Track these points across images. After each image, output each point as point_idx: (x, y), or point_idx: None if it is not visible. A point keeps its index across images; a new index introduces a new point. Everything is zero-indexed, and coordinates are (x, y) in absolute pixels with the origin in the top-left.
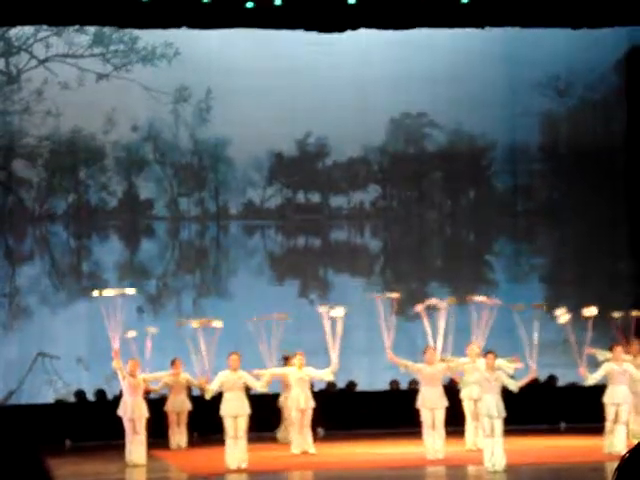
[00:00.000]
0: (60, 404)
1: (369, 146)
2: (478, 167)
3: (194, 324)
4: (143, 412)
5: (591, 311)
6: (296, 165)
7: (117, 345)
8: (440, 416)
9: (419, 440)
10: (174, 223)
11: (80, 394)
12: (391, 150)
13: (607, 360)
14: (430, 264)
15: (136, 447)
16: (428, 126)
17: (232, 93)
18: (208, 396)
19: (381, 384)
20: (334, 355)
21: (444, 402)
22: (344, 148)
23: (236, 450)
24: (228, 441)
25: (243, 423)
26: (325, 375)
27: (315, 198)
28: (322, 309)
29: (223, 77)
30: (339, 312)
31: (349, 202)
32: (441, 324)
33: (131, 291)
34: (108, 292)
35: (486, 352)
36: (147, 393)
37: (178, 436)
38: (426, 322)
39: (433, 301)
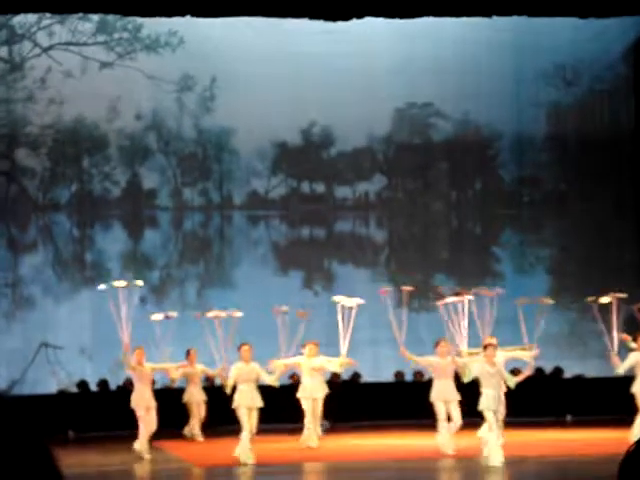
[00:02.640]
0: (63, 394)
1: (374, 136)
2: (484, 157)
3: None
4: (153, 402)
5: (614, 296)
6: (301, 155)
7: (127, 339)
8: (455, 408)
9: (426, 432)
10: (178, 213)
11: (83, 384)
12: (396, 140)
13: (633, 350)
14: (435, 255)
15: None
16: (434, 116)
17: (236, 82)
18: (228, 390)
19: (386, 375)
20: (344, 348)
21: (457, 395)
22: (349, 138)
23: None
24: (244, 433)
25: (254, 417)
26: (334, 367)
27: (320, 188)
28: (337, 299)
29: (227, 66)
30: (354, 302)
31: (354, 192)
32: (461, 316)
33: (139, 283)
34: (117, 284)
35: (485, 345)
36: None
37: (196, 427)
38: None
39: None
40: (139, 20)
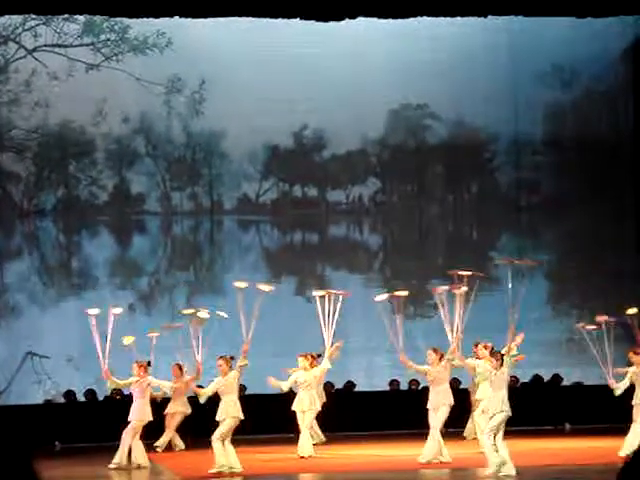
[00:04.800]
0: (50, 405)
1: (368, 138)
2: (480, 160)
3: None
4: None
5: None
6: (293, 158)
7: (106, 366)
8: (440, 415)
9: (421, 441)
10: (167, 218)
11: (70, 394)
12: (391, 143)
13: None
14: (431, 260)
15: (141, 448)
16: (429, 118)
17: (226, 84)
18: (202, 400)
19: (380, 384)
20: (328, 342)
21: (446, 400)
22: (342, 141)
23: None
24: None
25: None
26: (325, 365)
27: (312, 192)
28: (317, 293)
29: (217, 67)
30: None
31: (347, 196)
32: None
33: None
34: (115, 311)
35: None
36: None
37: (179, 438)
38: (442, 310)
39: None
40: (126, 21)
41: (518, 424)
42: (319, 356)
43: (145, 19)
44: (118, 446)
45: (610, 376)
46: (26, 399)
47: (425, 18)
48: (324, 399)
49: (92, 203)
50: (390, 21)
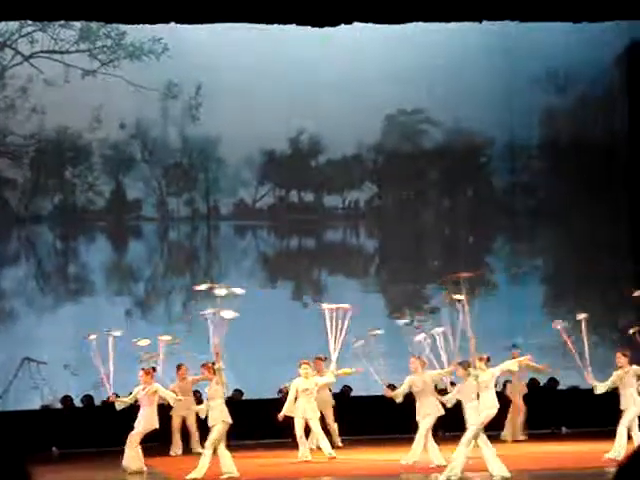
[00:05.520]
0: (47, 410)
1: (364, 143)
2: (476, 165)
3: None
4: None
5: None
6: (289, 163)
7: (111, 390)
8: (424, 424)
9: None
10: (163, 224)
11: (67, 400)
12: (387, 147)
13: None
14: (427, 265)
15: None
16: (424, 123)
17: (222, 90)
18: (203, 415)
19: (377, 389)
20: (334, 356)
21: (430, 410)
22: (338, 146)
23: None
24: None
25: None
26: (329, 379)
27: (309, 197)
28: (325, 306)
29: (213, 73)
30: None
31: (344, 201)
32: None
33: (144, 342)
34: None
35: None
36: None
37: (179, 443)
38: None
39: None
40: (122, 27)
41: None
42: (325, 359)
43: (141, 25)
44: (115, 451)
45: (588, 371)
46: (23, 405)
47: (421, 23)
48: (332, 402)
49: (89, 209)
50: (386, 26)
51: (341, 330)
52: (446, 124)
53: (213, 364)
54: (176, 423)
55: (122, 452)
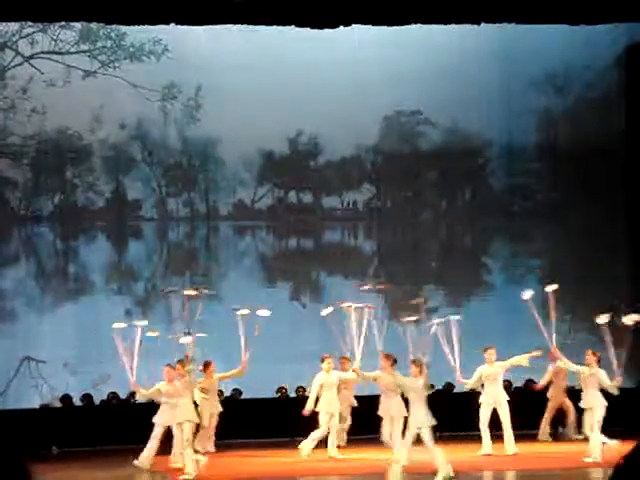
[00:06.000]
0: (46, 409)
1: (362, 145)
2: (474, 166)
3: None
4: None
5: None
6: (288, 164)
7: (134, 378)
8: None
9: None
10: (162, 224)
11: (66, 399)
12: (385, 149)
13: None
14: (425, 266)
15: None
16: (422, 124)
17: (222, 91)
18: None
19: (375, 388)
20: (358, 356)
21: (395, 412)
22: (337, 147)
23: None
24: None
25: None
26: (351, 375)
27: (307, 198)
28: (346, 305)
29: (213, 74)
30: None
31: (342, 202)
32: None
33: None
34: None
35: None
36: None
37: (207, 440)
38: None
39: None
40: (122, 28)
41: (513, 428)
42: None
43: (141, 26)
44: (114, 450)
45: (554, 347)
46: (23, 403)
47: (419, 26)
48: (354, 403)
49: (89, 209)
50: (384, 28)
51: (364, 330)
52: (444, 126)
53: (180, 361)
54: (204, 421)
55: (120, 451)
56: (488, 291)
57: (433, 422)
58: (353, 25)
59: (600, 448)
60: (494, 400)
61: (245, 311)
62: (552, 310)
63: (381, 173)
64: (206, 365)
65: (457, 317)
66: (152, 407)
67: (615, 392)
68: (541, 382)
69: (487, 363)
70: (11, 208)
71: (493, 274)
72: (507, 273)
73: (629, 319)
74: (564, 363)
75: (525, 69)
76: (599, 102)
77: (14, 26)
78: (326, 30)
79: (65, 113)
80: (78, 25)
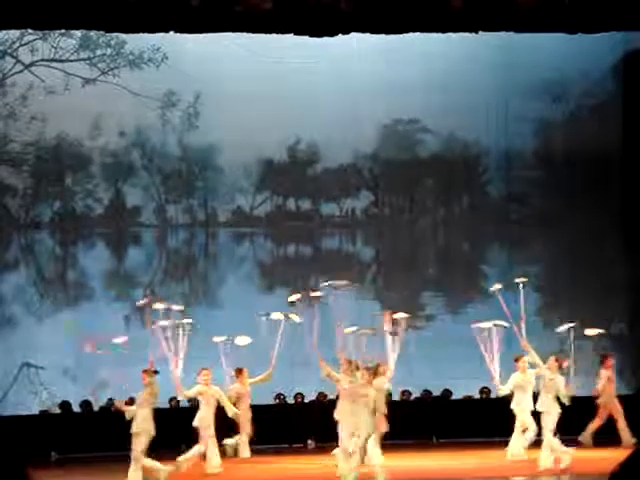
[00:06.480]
0: (45, 415)
1: (360, 152)
2: (471, 174)
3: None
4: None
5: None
6: (286, 172)
7: (178, 373)
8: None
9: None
10: (162, 230)
11: (65, 405)
12: (383, 156)
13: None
14: (423, 272)
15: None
16: (420, 132)
17: (221, 98)
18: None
19: None
20: (392, 364)
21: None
22: (335, 154)
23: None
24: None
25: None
26: (381, 382)
27: (306, 205)
28: (387, 316)
29: (212, 82)
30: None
31: (340, 209)
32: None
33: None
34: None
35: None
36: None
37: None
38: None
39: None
40: (122, 36)
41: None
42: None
43: (141, 35)
44: (113, 456)
45: (523, 338)
46: (22, 410)
47: (417, 34)
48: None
49: (88, 216)
50: (383, 37)
51: (399, 339)
52: (442, 134)
53: (155, 372)
54: (247, 428)
55: (119, 457)
56: (485, 297)
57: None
58: (352, 33)
59: (559, 450)
60: (526, 407)
61: (278, 315)
62: (522, 305)
63: (379, 180)
64: (239, 371)
65: (505, 324)
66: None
67: (567, 402)
68: (598, 388)
69: (519, 371)
70: (11, 215)
71: (490, 281)
72: (504, 280)
73: (591, 331)
74: (531, 357)
75: (522, 77)
76: (596, 110)
77: (14, 34)
78: (325, 38)
79: (65, 120)
80: (78, 33)
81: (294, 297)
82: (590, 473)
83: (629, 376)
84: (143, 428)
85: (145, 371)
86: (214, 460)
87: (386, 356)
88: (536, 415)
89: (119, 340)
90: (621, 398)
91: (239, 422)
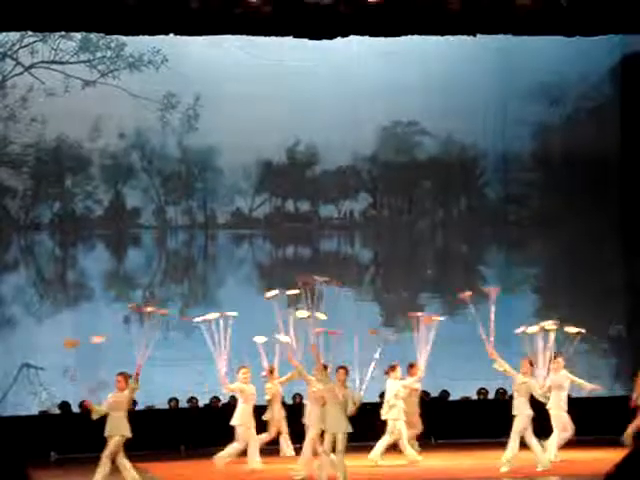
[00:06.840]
0: (45, 416)
1: (359, 154)
2: (470, 176)
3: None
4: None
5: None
6: (285, 173)
7: (223, 370)
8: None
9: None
10: (161, 232)
11: (65, 406)
12: (381, 158)
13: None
14: (421, 274)
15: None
16: (419, 134)
17: (220, 100)
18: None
19: (371, 396)
20: (423, 364)
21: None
22: (334, 156)
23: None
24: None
25: None
26: (415, 384)
27: (304, 207)
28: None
29: (211, 84)
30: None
31: (339, 211)
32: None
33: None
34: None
35: (338, 367)
36: None
37: (287, 441)
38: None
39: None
40: (122, 39)
41: (507, 435)
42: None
43: (141, 37)
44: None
45: (490, 342)
46: (22, 410)
47: (416, 37)
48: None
49: (88, 217)
50: (382, 39)
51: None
52: (440, 136)
53: (130, 376)
54: (284, 427)
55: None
56: (483, 299)
57: (349, 429)
58: (351, 36)
59: (515, 455)
60: (557, 406)
61: (303, 313)
62: (492, 305)
63: (378, 182)
64: (271, 371)
65: (554, 325)
66: (150, 413)
67: (545, 401)
68: (634, 395)
69: (553, 371)
70: (11, 216)
71: (488, 282)
72: (502, 281)
73: (570, 329)
74: (499, 364)
75: (521, 80)
76: (594, 113)
77: (15, 36)
78: (324, 41)
79: (65, 122)
80: (78, 35)
81: (271, 294)
82: (585, 474)
83: (626, 378)
84: (115, 431)
85: (125, 375)
86: (256, 457)
87: (413, 356)
88: (535, 415)
89: (97, 340)
90: (618, 399)
91: (271, 422)
